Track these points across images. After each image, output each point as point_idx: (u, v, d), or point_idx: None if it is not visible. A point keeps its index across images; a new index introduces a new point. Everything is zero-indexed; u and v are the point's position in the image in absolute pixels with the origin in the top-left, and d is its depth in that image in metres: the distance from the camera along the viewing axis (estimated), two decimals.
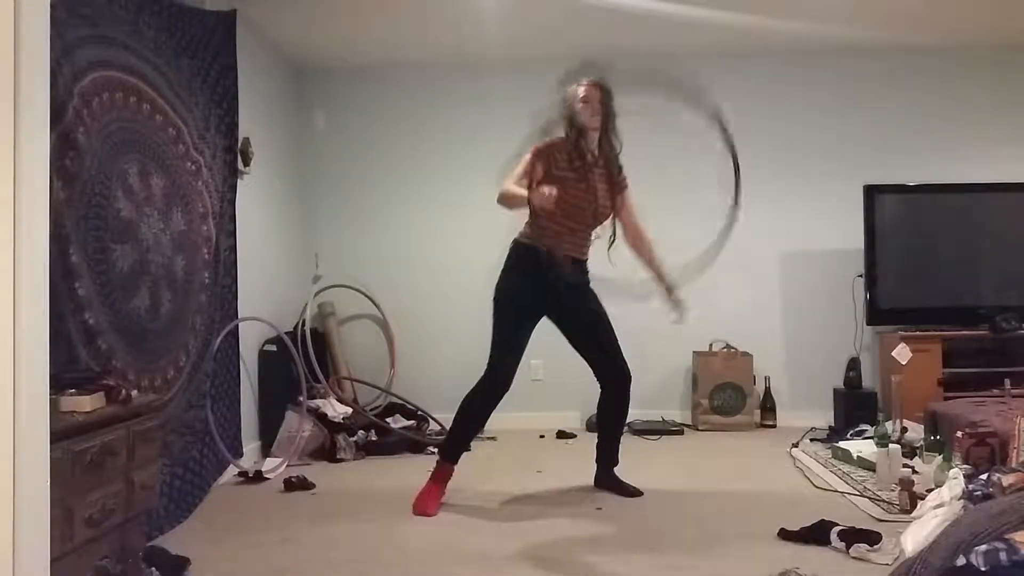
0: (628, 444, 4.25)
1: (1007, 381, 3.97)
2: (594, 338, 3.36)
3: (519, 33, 4.63)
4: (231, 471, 3.74)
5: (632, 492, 3.34)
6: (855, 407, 4.63)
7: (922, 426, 3.91)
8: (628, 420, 4.64)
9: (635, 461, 3.70)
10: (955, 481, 2.68)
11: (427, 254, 5.18)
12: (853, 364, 4.78)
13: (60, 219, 2.39)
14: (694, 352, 5.01)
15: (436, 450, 3.50)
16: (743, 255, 5.10)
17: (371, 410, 4.78)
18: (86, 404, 2.06)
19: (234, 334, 3.84)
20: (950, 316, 4.68)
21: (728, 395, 4.89)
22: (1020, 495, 2.05)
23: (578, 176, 3.18)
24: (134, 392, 2.34)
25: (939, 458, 3.25)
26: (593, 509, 3.18)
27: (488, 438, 4.71)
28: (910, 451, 3.69)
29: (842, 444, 3.95)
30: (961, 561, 1.48)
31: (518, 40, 4.74)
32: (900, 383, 4.18)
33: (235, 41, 3.87)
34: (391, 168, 5.20)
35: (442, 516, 3.12)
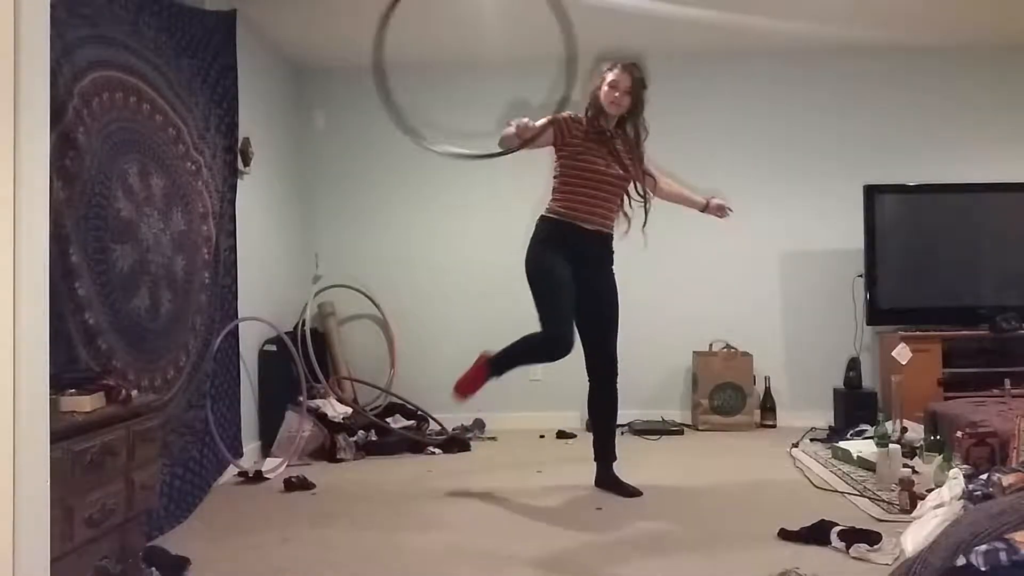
0: (628, 444, 4.27)
1: (1007, 381, 3.97)
2: (597, 315, 3.37)
3: (519, 33, 4.62)
4: (231, 471, 3.74)
5: (632, 492, 3.34)
6: (855, 407, 4.63)
7: (922, 426, 3.91)
8: (628, 420, 4.70)
9: (635, 461, 3.70)
10: (955, 481, 2.68)
11: (427, 254, 5.18)
12: (853, 364, 4.78)
13: (60, 219, 2.39)
14: (694, 352, 5.01)
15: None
16: (743, 255, 5.12)
17: (371, 410, 4.78)
18: (86, 404, 2.06)
19: (234, 334, 3.84)
20: (950, 316, 4.68)
21: (728, 395, 4.89)
22: (1020, 495, 2.05)
23: (594, 147, 3.25)
24: (134, 392, 2.34)
25: (939, 458, 3.25)
26: (593, 509, 3.18)
27: (488, 438, 4.72)
28: (910, 451, 3.69)
29: (842, 444, 3.95)
30: (961, 561, 1.48)
31: (518, 40, 4.73)
32: (900, 383, 4.18)
33: (235, 41, 3.87)
34: (391, 168, 5.20)
35: (442, 516, 3.12)
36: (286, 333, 4.36)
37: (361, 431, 4.37)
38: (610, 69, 3.28)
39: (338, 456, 4.13)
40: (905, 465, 3.44)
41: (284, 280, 4.81)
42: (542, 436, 4.73)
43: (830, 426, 4.69)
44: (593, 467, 3.49)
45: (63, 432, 1.87)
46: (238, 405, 3.88)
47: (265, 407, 4.25)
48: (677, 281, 5.06)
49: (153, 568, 2.37)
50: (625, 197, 3.37)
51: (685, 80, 5.04)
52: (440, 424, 4.75)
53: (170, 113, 3.25)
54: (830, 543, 2.60)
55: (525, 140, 3.05)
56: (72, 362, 2.43)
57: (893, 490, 3.11)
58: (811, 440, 4.41)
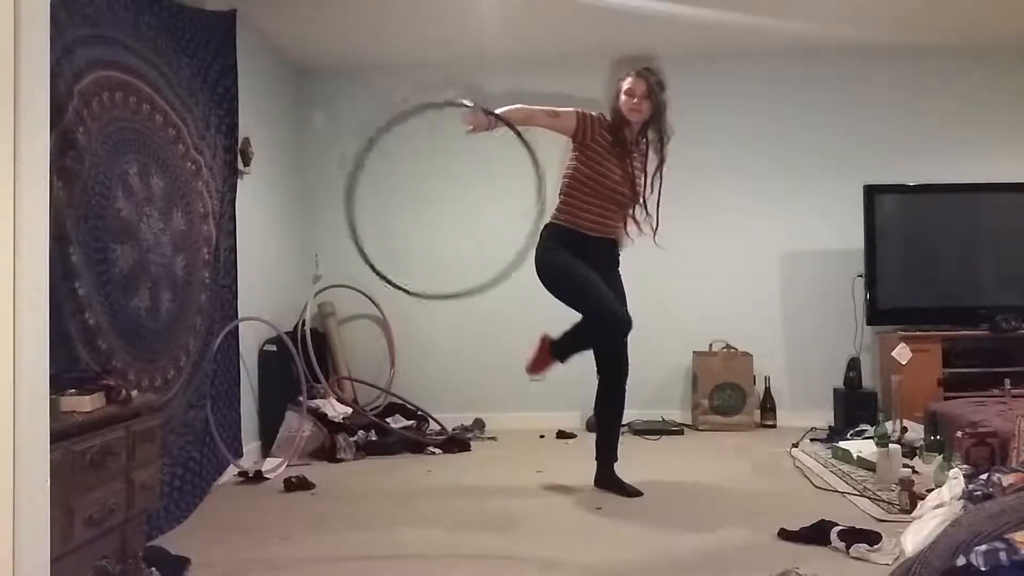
0: (628, 444, 4.26)
1: (1007, 381, 3.97)
2: None
3: (520, 33, 4.62)
4: (231, 471, 3.74)
5: (632, 492, 3.34)
6: (855, 407, 4.62)
7: (922, 426, 3.91)
8: (628, 420, 4.68)
9: (635, 461, 3.70)
10: (955, 481, 2.68)
11: (427, 254, 5.18)
12: (853, 364, 4.78)
13: (60, 219, 2.39)
14: (694, 352, 5.01)
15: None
16: (743, 255, 5.12)
17: (371, 410, 4.78)
18: (86, 404, 2.06)
19: (234, 334, 3.84)
20: (950, 316, 4.67)
21: (728, 395, 4.89)
22: (1020, 495, 2.05)
23: (612, 155, 3.24)
24: (134, 392, 2.34)
25: (939, 458, 3.26)
26: (593, 509, 3.18)
27: (488, 438, 4.72)
28: (910, 451, 3.69)
29: (842, 444, 3.95)
30: (961, 561, 1.48)
31: (519, 40, 4.73)
32: (900, 383, 4.18)
33: (235, 41, 3.87)
34: (391, 168, 5.19)
35: (442, 516, 3.12)
36: (286, 333, 4.36)
37: (361, 431, 4.37)
38: (624, 78, 3.27)
39: (338, 456, 4.13)
40: (905, 465, 3.44)
41: (284, 280, 4.81)
42: (542, 436, 4.73)
43: (830, 426, 4.69)
44: (593, 467, 3.49)
45: (63, 432, 1.87)
46: (238, 405, 3.88)
47: (265, 407, 4.25)
48: (677, 281, 5.06)
49: (153, 568, 2.37)
50: (630, 211, 3.36)
51: (685, 80, 5.00)
52: (440, 424, 4.75)
53: (170, 113, 3.26)
54: (830, 543, 2.60)
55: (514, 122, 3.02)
56: (72, 362, 2.43)
57: (893, 490, 3.11)
58: (811, 440, 4.41)
